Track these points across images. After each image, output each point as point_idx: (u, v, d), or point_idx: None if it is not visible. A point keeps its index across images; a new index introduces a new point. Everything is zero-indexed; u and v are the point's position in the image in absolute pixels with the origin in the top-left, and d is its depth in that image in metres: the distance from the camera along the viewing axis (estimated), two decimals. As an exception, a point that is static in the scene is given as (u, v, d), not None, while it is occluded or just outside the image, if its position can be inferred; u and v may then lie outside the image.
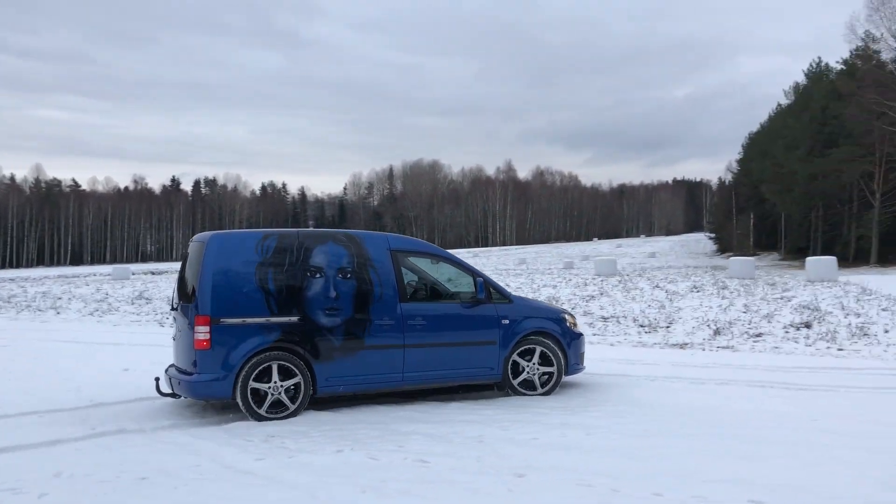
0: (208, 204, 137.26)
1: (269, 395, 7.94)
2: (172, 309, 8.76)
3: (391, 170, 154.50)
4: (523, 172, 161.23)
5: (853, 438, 6.92)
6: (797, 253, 59.37)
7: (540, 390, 9.23)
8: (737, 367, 11.63)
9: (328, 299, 8.21)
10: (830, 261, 29.34)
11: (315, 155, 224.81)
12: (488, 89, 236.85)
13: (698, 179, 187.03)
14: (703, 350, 14.03)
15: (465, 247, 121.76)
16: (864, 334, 14.74)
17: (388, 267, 8.62)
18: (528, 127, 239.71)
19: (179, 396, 8.47)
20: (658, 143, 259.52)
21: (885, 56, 49.25)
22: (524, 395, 9.14)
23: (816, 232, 58.76)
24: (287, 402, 8.00)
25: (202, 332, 7.75)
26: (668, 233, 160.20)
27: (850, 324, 15.86)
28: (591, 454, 6.41)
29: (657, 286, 25.37)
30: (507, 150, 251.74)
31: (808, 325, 16.00)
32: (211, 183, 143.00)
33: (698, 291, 23.11)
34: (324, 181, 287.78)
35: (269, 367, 7.92)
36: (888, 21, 45.13)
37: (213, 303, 7.80)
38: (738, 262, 31.93)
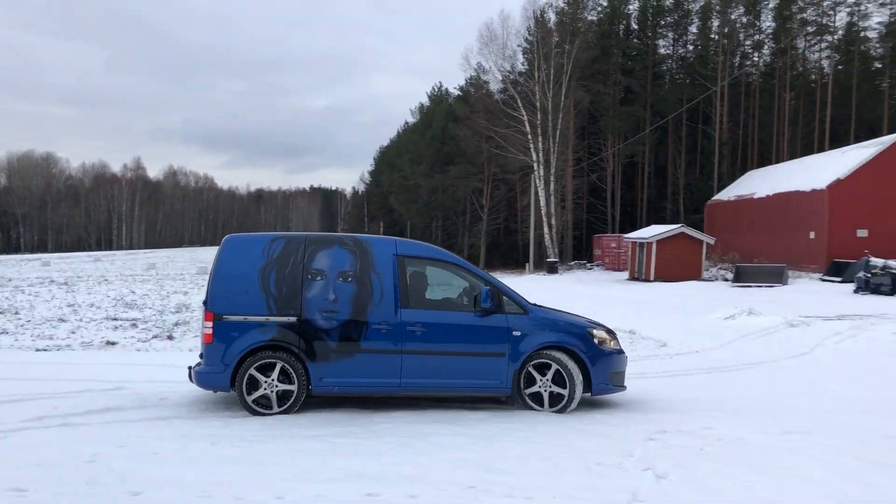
0: None
1: (263, 391, 8.31)
2: None
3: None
4: (154, 171, 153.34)
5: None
6: (420, 259, 64.51)
7: (547, 408, 8.62)
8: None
9: (326, 301, 8.43)
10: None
11: None
12: (117, 81, 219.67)
13: (334, 188, 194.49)
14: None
15: (85, 249, 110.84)
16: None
17: (391, 272, 8.61)
18: (162, 124, 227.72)
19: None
20: (297, 150, 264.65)
21: (493, 86, 56.04)
22: (533, 409, 8.63)
23: (437, 240, 64.64)
24: (275, 400, 8.33)
25: (207, 327, 8.33)
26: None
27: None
28: (216, 465, 6.20)
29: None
30: (138, 146, 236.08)
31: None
32: None
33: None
34: None
35: (266, 364, 8.30)
36: (495, 56, 51.39)
37: (218, 300, 8.34)
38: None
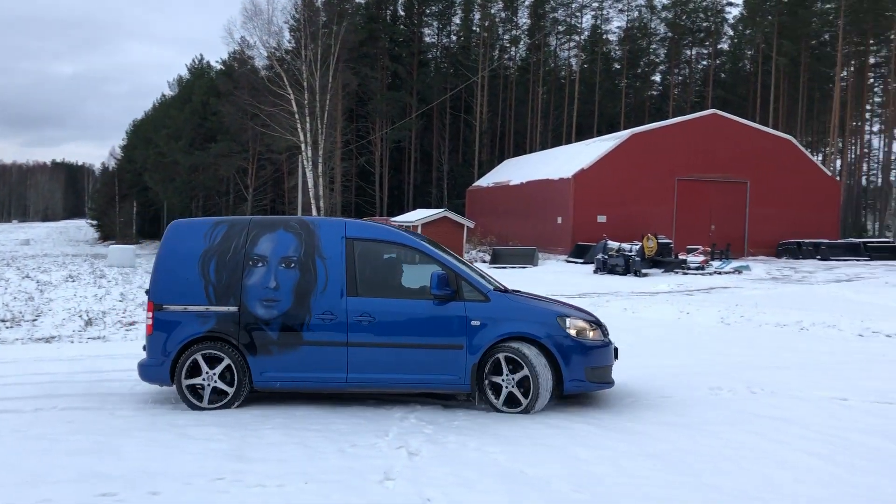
0: None
1: (204, 386, 7.81)
2: None
3: None
4: None
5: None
6: (179, 241, 61.06)
7: (507, 407, 7.56)
8: (106, 356, 11.24)
9: (267, 289, 7.82)
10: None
11: None
12: None
13: (81, 163, 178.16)
14: (73, 342, 13.21)
15: None
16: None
17: (338, 257, 7.85)
18: None
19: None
20: (37, 121, 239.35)
21: (259, 63, 54.21)
22: (502, 412, 7.55)
23: (197, 221, 61.52)
24: (207, 395, 7.79)
25: (149, 318, 7.91)
26: (46, 218, 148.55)
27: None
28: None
29: (27, 276, 23.12)
30: None
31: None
32: None
33: (74, 281, 21.84)
34: None
35: (204, 356, 7.78)
36: (260, 31, 49.72)
37: (159, 289, 7.93)
38: (117, 250, 31.31)
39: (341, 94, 52.70)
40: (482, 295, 7.65)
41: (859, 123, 65.81)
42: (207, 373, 7.77)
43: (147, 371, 7.97)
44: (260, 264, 7.86)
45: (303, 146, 46.70)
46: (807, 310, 15.86)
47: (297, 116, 46.46)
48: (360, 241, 7.91)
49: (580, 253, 34.37)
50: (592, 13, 67.87)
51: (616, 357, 7.98)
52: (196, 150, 56.41)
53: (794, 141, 41.09)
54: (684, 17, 66.42)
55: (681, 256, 30.24)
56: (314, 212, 46.77)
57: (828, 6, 59.62)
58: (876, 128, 69.70)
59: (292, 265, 7.82)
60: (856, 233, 54.59)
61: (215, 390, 7.80)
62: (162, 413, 7.58)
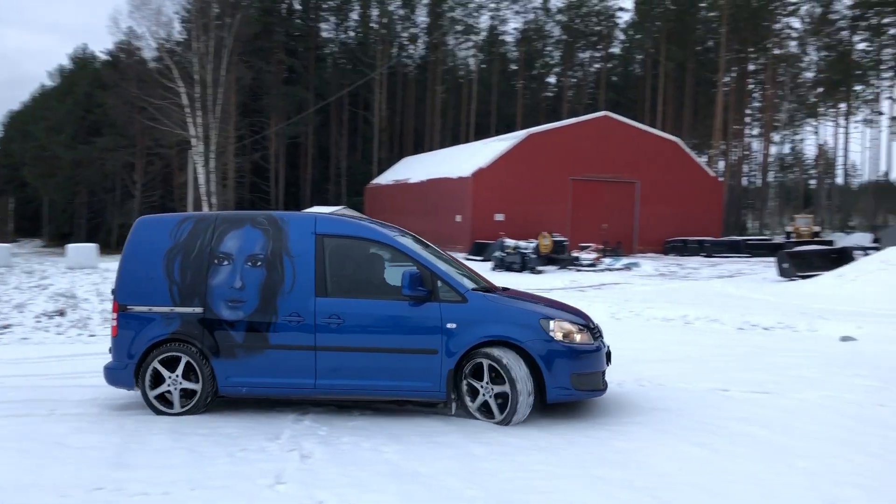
0: None
1: (171, 391, 7.42)
2: None
3: None
4: None
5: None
6: (61, 239, 58.16)
7: (498, 417, 6.94)
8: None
9: (232, 290, 7.40)
10: (91, 247, 29.62)
11: None
12: None
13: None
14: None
15: None
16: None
17: (308, 254, 7.37)
18: None
19: None
20: None
21: (147, 54, 52.10)
22: (476, 419, 7.07)
23: (81, 219, 58.68)
24: (177, 399, 7.41)
25: (113, 318, 7.59)
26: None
27: (103, 309, 16.15)
28: None
29: None
30: None
31: (61, 314, 15.66)
32: None
33: (-60, 282, 20.37)
34: None
35: (169, 360, 7.41)
36: (148, 21, 47.76)
37: (124, 289, 7.62)
38: (-8, 248, 29.41)
39: (235, 88, 51.38)
40: (459, 295, 7.04)
41: (741, 127, 69.41)
42: (170, 377, 7.38)
43: (112, 375, 7.59)
44: (225, 263, 7.45)
45: (193, 141, 45.22)
46: (692, 305, 16.57)
47: (187, 110, 44.94)
48: (331, 237, 7.39)
49: (479, 251, 34.77)
50: (490, 14, 68.81)
51: (609, 361, 7.45)
52: (79, 144, 53.78)
53: (680, 143, 42.94)
54: (578, 21, 68.28)
55: (574, 254, 31.06)
56: (205, 209, 45.39)
57: (711, 14, 62.65)
58: (756, 131, 73.78)
59: (258, 264, 7.37)
60: (737, 231, 57.66)
61: (184, 392, 7.43)
62: (36, 422, 7.13)
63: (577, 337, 7.02)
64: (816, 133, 73.69)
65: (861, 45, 63.31)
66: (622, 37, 72.38)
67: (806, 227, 41.41)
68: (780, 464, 5.80)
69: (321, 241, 7.34)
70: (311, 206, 51.21)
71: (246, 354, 7.27)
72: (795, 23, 62.01)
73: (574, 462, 5.82)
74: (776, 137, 69.38)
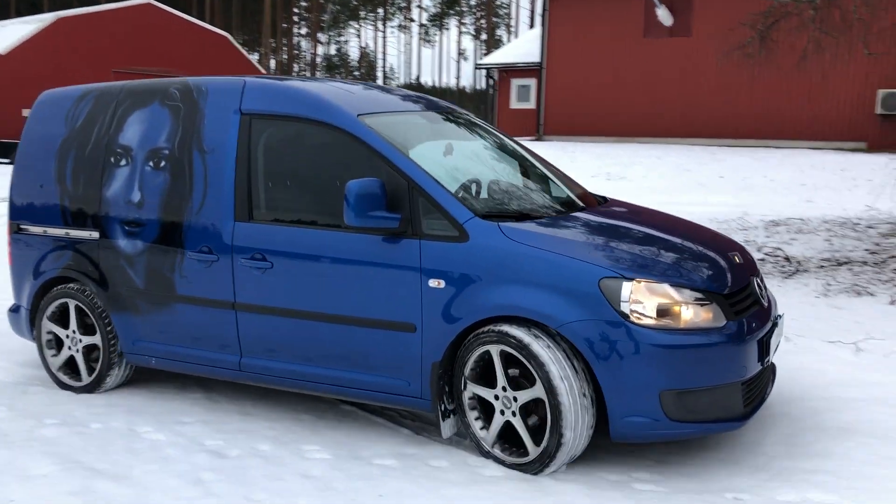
0: None
1: (73, 355, 4.99)
2: None
3: None
4: None
5: None
6: None
7: (531, 455, 3.67)
8: None
9: (130, 206, 4.68)
10: None
11: None
12: None
13: None
14: None
15: None
16: None
17: (226, 148, 4.36)
18: None
19: None
20: None
21: None
22: (495, 459, 3.79)
23: None
24: (83, 366, 4.95)
25: (7, 242, 5.30)
26: None
27: None
28: None
29: None
30: None
31: None
32: None
33: None
34: None
35: (62, 312, 5.00)
36: None
37: (15, 200, 5.21)
38: None
39: None
40: (455, 227, 3.76)
41: (289, 26, 70.62)
42: (69, 336, 5.03)
43: (12, 319, 5.40)
44: (123, 162, 4.80)
45: None
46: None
47: None
48: (266, 118, 4.37)
49: (5, 151, 30.31)
50: None
51: (767, 360, 3.90)
52: None
53: (230, 38, 42.15)
54: None
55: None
56: None
57: None
58: (304, 31, 75.79)
59: (162, 164, 4.65)
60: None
61: (90, 354, 5.03)
62: None
63: (686, 314, 3.53)
64: (359, 36, 78.66)
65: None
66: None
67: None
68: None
69: (248, 125, 4.38)
70: None
71: (150, 308, 4.72)
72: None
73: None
74: (323, 38, 72.33)
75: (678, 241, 4.06)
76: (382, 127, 4.13)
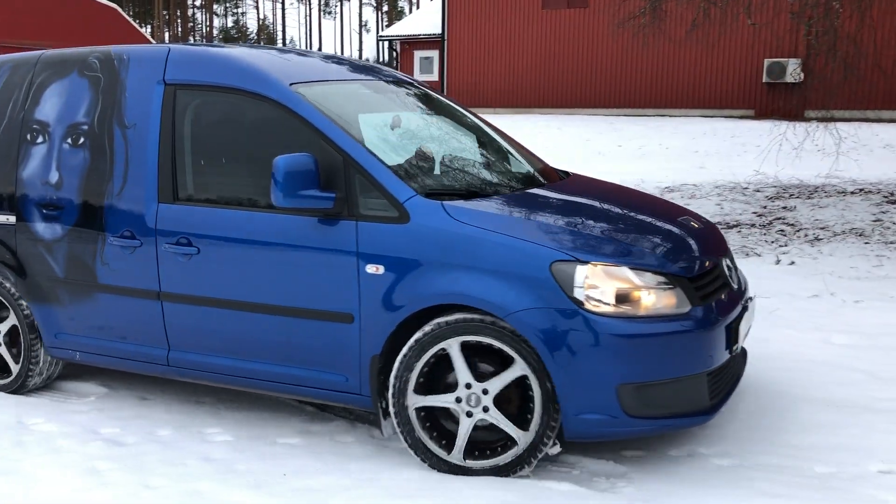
0: None
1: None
2: None
3: None
4: None
5: None
6: None
7: (522, 445, 3.26)
8: None
9: (47, 187, 4.27)
10: None
11: None
12: None
13: None
14: None
15: None
16: None
17: (151, 122, 3.98)
18: None
19: None
20: None
21: None
22: (429, 450, 3.40)
23: None
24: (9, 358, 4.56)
25: None
26: None
27: None
28: None
29: None
30: None
31: None
32: None
33: None
34: None
35: None
36: None
37: None
38: None
39: None
40: (395, 207, 3.43)
41: (182, -3, 67.90)
42: None
43: None
44: (40, 140, 4.36)
45: None
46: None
47: None
48: (191, 89, 3.97)
49: None
50: None
51: (736, 348, 3.60)
52: None
53: (119, 10, 40.20)
54: None
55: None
56: None
57: None
58: (199, 2, 73.00)
59: (81, 141, 4.22)
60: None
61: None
62: None
63: (646, 300, 3.21)
64: (257, 8, 76.38)
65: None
66: None
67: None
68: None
69: (172, 97, 3.99)
70: None
71: (71, 299, 4.34)
72: None
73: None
74: (219, 10, 69.91)
75: (642, 218, 3.76)
76: (318, 97, 3.77)
